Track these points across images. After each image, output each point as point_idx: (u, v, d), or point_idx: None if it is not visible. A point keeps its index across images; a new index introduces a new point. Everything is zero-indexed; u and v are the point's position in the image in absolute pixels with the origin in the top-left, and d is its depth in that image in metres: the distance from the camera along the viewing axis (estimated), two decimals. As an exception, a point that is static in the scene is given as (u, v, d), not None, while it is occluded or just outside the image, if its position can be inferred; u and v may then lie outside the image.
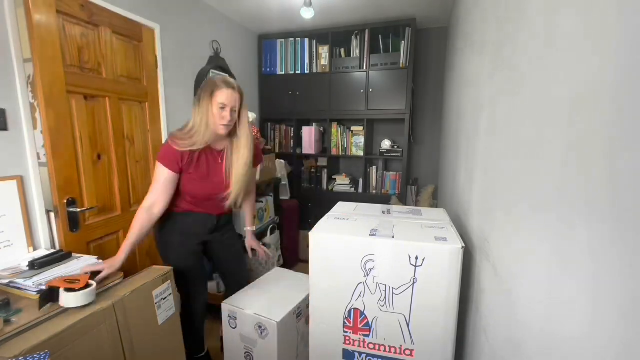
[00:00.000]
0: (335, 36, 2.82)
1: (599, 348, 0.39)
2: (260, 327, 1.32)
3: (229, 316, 1.42)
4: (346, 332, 1.15)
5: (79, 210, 1.52)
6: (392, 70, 2.66)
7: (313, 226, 1.18)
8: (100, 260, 1.29)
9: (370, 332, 1.12)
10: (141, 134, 1.91)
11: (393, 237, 1.06)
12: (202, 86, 1.33)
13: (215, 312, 2.26)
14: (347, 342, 1.16)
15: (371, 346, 1.13)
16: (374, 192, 2.97)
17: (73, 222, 1.51)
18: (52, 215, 1.47)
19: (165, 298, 1.29)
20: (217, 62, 2.50)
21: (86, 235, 1.59)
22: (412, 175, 3.10)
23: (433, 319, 1.04)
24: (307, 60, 2.92)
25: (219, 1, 2.38)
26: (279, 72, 3.04)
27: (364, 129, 2.84)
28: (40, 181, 1.41)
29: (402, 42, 2.61)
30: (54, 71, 1.42)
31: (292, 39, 2.94)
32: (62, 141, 1.46)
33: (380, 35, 2.71)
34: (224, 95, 1.28)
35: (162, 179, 1.33)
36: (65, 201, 1.48)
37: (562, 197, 0.49)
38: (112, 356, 1.08)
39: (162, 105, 2.04)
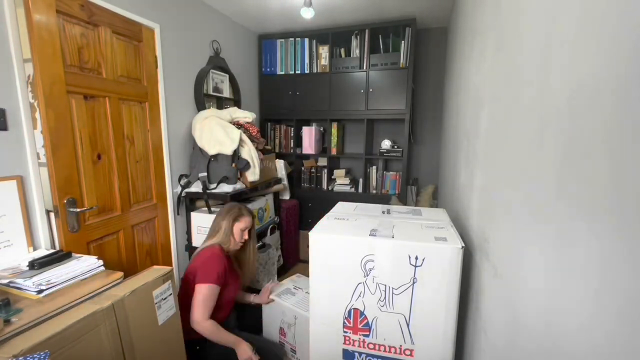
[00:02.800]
0: (335, 36, 2.82)
1: (599, 348, 0.39)
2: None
3: None
4: (346, 332, 1.15)
5: (78, 210, 1.52)
6: (392, 70, 2.66)
7: (313, 226, 1.18)
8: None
9: (370, 332, 1.12)
10: (141, 134, 1.91)
11: (393, 237, 1.06)
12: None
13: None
14: (347, 342, 1.16)
15: (371, 346, 1.13)
16: (374, 192, 2.96)
17: (73, 222, 1.51)
18: (52, 215, 1.47)
19: (166, 298, 1.29)
20: (217, 62, 2.50)
21: (86, 235, 1.59)
22: (412, 175, 3.09)
23: (433, 319, 1.04)
24: (307, 60, 2.91)
25: (219, 1, 2.38)
26: (279, 72, 3.04)
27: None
28: (40, 181, 1.41)
29: (402, 42, 2.61)
30: (54, 71, 1.42)
31: (292, 39, 2.94)
32: (61, 141, 1.46)
33: (380, 35, 2.71)
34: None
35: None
36: (65, 201, 1.48)
37: (562, 197, 0.49)
38: (112, 356, 1.08)
39: (162, 105, 2.04)
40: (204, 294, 1.43)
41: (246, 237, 1.66)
